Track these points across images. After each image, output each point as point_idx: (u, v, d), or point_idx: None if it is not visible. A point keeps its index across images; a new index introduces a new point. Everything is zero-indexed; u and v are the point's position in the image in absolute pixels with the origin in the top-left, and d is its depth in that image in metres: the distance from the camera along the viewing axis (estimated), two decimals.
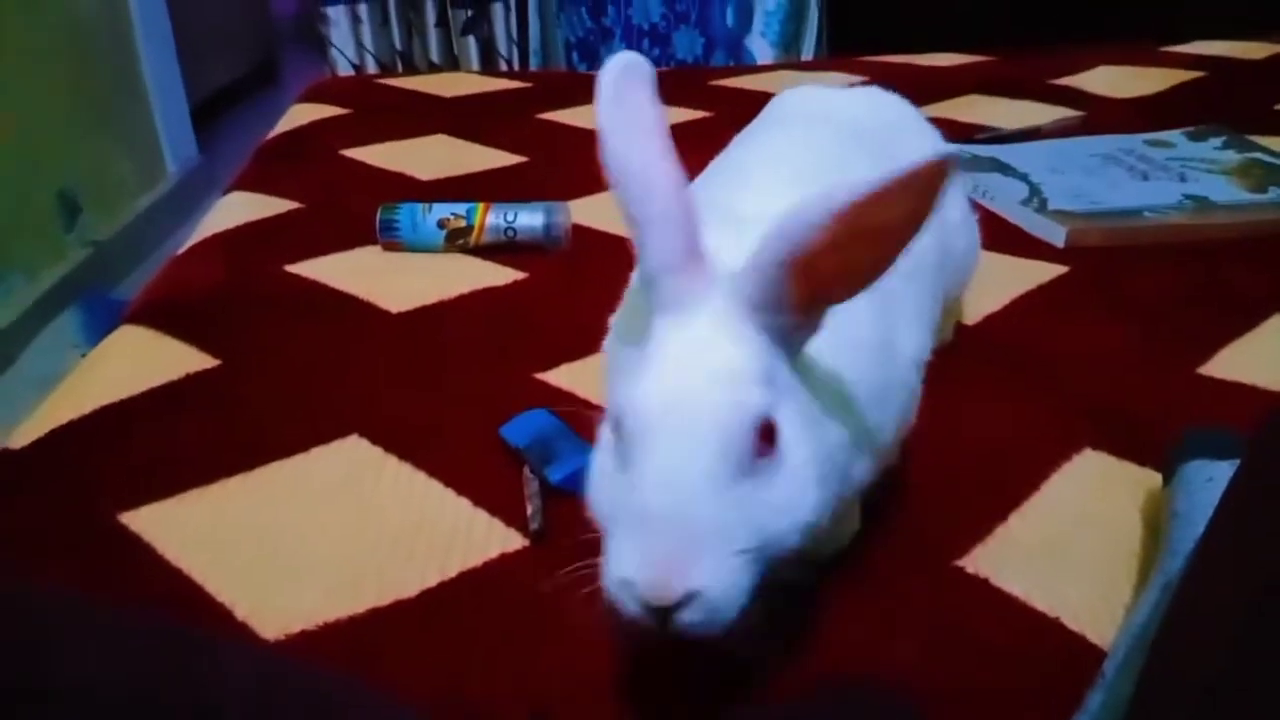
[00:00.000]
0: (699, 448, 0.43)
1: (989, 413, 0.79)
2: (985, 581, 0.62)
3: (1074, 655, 0.56)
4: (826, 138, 0.69)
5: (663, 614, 0.42)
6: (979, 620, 0.60)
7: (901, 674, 0.56)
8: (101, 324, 2.47)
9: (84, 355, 2.39)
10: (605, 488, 0.47)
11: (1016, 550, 0.65)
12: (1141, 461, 0.72)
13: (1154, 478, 0.68)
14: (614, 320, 0.61)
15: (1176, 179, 1.20)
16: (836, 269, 0.44)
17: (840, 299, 0.47)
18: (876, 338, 0.56)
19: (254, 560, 0.62)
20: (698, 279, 0.47)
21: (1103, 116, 1.54)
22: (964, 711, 0.53)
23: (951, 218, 0.74)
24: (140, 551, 0.63)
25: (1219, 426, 0.63)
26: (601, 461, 0.48)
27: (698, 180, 0.68)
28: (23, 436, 0.78)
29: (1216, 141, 1.33)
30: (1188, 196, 1.15)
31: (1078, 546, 0.65)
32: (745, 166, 0.67)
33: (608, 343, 0.61)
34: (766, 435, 0.44)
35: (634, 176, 0.47)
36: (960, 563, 0.64)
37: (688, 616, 0.42)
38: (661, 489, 0.43)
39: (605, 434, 0.48)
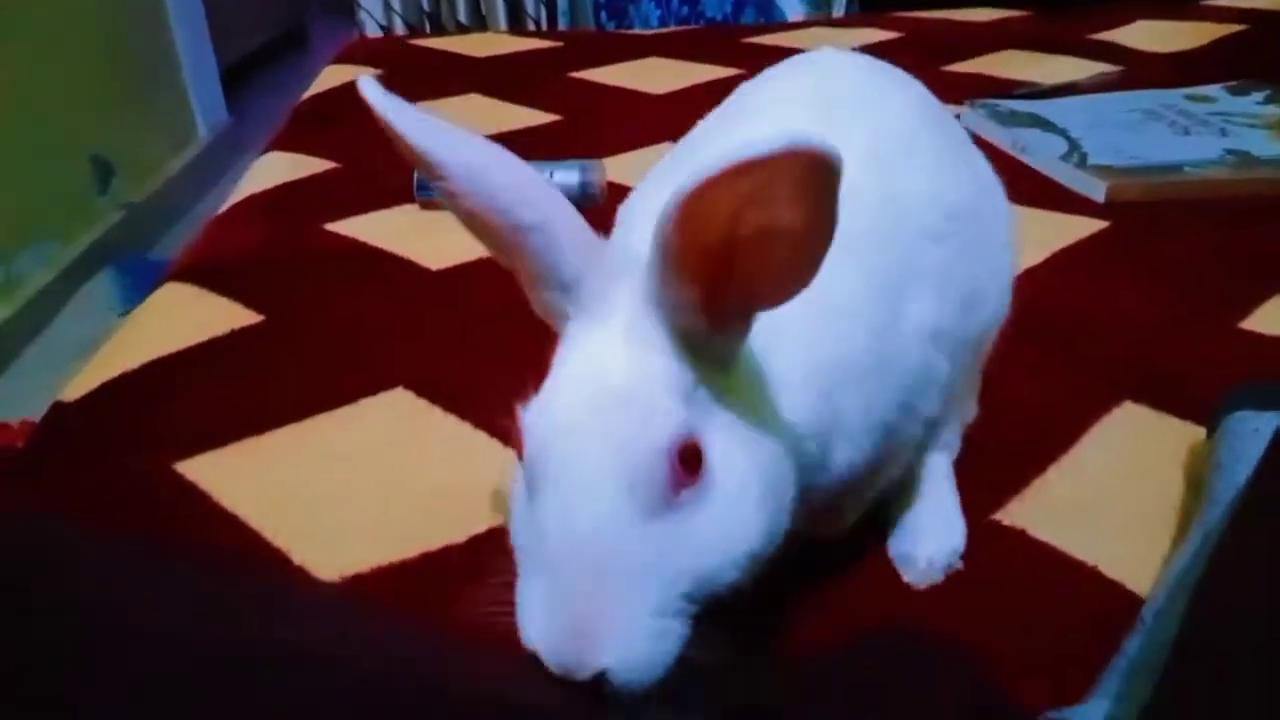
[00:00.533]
0: (599, 483, 0.37)
1: (1028, 366, 0.79)
2: (1021, 533, 0.63)
3: (1113, 603, 0.57)
4: (843, 84, 0.60)
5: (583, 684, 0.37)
6: (1016, 571, 0.61)
7: (938, 623, 0.56)
8: (137, 286, 2.51)
9: (121, 316, 2.42)
10: (516, 519, 0.41)
11: (1054, 503, 0.65)
12: (1181, 415, 0.72)
13: (1194, 431, 0.68)
14: None
15: (1218, 134, 1.18)
16: (743, 271, 0.38)
17: (763, 304, 0.40)
18: (869, 306, 0.50)
19: (307, 507, 0.64)
20: (606, 277, 0.41)
21: (1142, 71, 1.52)
22: (1001, 658, 0.54)
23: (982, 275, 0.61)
24: (197, 499, 0.65)
25: (1268, 380, 0.63)
26: (518, 485, 0.42)
27: (689, 136, 0.62)
28: (75, 389, 0.80)
29: (1258, 96, 1.31)
30: (1229, 151, 1.13)
31: (1116, 499, 0.66)
32: (751, 112, 0.59)
33: None
34: (689, 460, 0.38)
35: (502, 182, 0.40)
36: (996, 516, 0.64)
37: (609, 687, 0.36)
38: (560, 535, 0.37)
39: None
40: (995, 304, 0.61)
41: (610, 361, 0.39)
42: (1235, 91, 1.33)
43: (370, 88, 0.40)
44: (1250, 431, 0.55)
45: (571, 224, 0.41)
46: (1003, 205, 0.63)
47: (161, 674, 0.29)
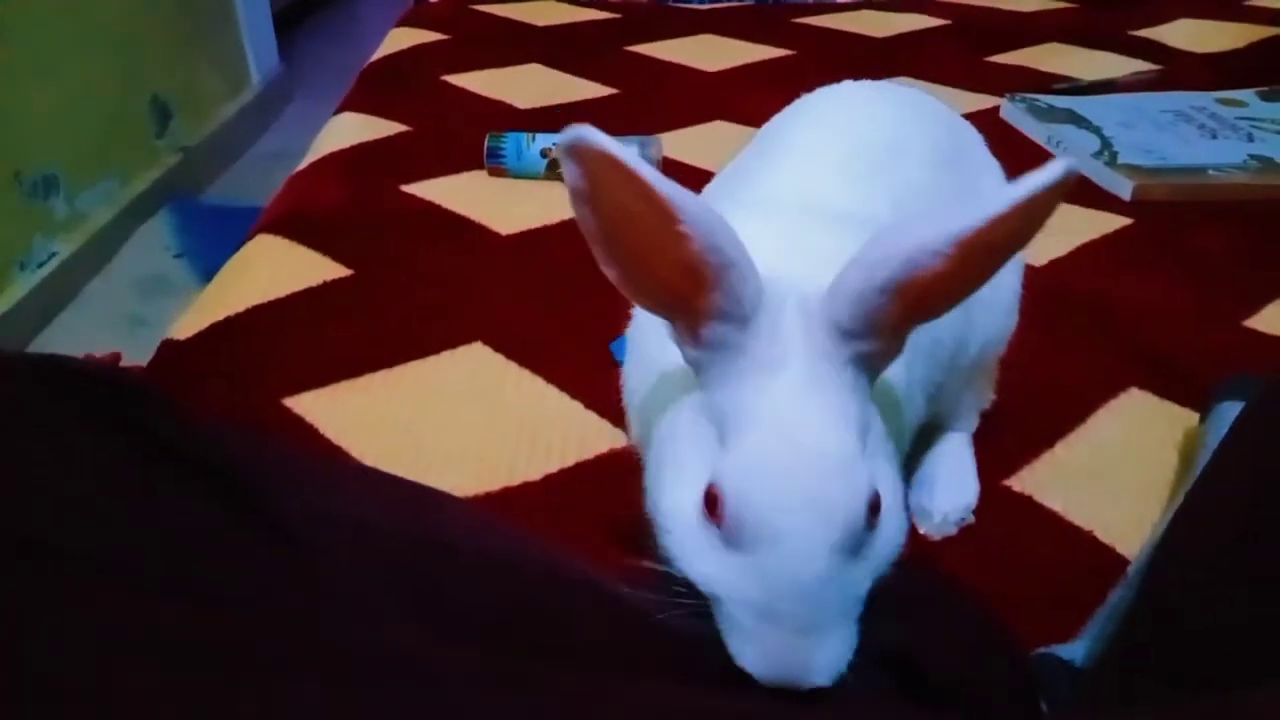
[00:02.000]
0: (824, 547, 0.40)
1: (1047, 349, 0.86)
2: (1029, 499, 0.71)
3: (1105, 564, 0.65)
4: (876, 125, 0.63)
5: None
6: (1022, 531, 0.69)
7: (948, 570, 0.65)
8: (190, 228, 2.59)
9: (175, 258, 2.49)
10: (708, 560, 0.43)
11: (1061, 474, 0.73)
12: (1182, 402, 0.79)
13: (1192, 418, 0.76)
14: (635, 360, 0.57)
15: (1244, 139, 1.24)
16: (935, 288, 0.41)
17: (930, 317, 0.45)
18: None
19: (402, 443, 0.73)
20: (773, 315, 0.43)
21: (1179, 71, 1.56)
22: (1002, 604, 0.61)
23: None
24: (306, 431, 0.74)
25: (1256, 373, 0.71)
26: (686, 526, 0.43)
27: (723, 173, 0.66)
28: (183, 329, 0.89)
29: None
30: (1253, 156, 1.19)
31: (1116, 473, 0.74)
32: (786, 152, 0.61)
33: (633, 371, 0.57)
34: (874, 507, 0.42)
35: (715, 227, 0.41)
36: (1007, 482, 0.73)
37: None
38: (786, 591, 0.41)
39: (681, 495, 0.44)
40: (999, 325, 0.67)
41: (809, 424, 0.42)
42: (1266, 97, 1.38)
43: (599, 138, 0.40)
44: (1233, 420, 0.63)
45: (754, 264, 0.43)
46: None
47: (367, 559, 0.37)
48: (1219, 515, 0.42)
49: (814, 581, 0.40)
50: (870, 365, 0.44)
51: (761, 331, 0.43)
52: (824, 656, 0.41)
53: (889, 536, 0.43)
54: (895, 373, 0.52)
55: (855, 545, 0.41)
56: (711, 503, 0.42)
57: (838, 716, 0.29)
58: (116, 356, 1.84)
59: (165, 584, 0.29)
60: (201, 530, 0.32)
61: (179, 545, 0.30)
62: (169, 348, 0.87)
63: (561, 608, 0.40)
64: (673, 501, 0.44)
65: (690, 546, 0.43)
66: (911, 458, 0.71)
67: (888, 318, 0.42)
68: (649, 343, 0.53)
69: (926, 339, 0.57)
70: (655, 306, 0.46)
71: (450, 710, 0.26)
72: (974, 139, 0.69)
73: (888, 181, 0.58)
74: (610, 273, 0.44)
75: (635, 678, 0.33)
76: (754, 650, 0.41)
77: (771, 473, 0.41)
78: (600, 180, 0.41)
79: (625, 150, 0.40)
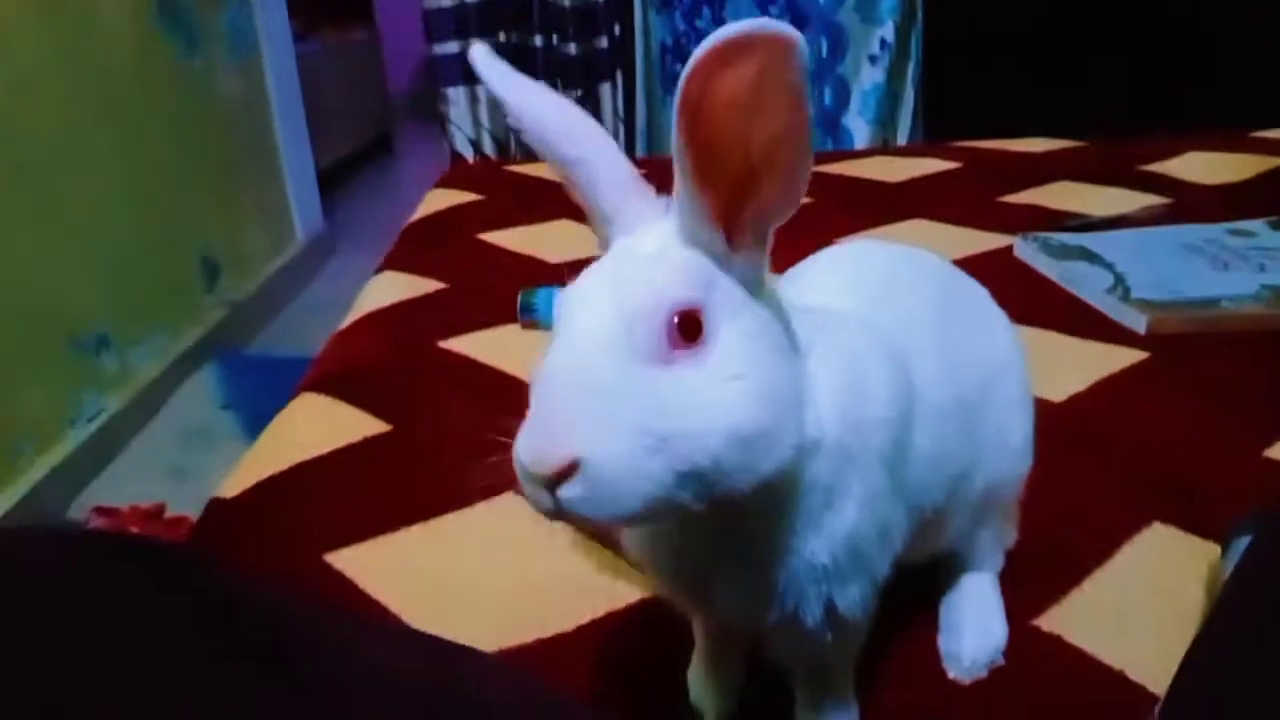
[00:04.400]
0: (599, 326, 0.42)
1: (1069, 484, 0.87)
2: (1058, 638, 0.71)
3: (1136, 704, 0.65)
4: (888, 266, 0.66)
5: (548, 488, 0.41)
6: (1052, 672, 0.69)
7: (977, 715, 0.65)
8: (237, 378, 2.68)
9: (222, 409, 2.56)
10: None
11: (1089, 612, 0.74)
12: (1205, 536, 0.80)
13: (1215, 550, 0.76)
14: None
15: (1256, 269, 1.27)
16: (742, 182, 0.43)
17: (768, 219, 0.45)
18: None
19: (438, 596, 0.75)
20: (645, 202, 0.47)
21: (1191, 203, 1.61)
22: None
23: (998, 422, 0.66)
24: (346, 586, 0.76)
25: (1272, 506, 0.72)
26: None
27: None
28: (231, 487, 0.93)
29: None
30: (1265, 286, 1.22)
31: (1144, 610, 0.74)
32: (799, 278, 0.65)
33: None
34: (688, 328, 0.42)
35: (552, 121, 0.47)
36: (1036, 621, 0.73)
37: (569, 492, 0.40)
38: (558, 357, 0.42)
39: None
40: (1010, 466, 0.68)
41: (639, 246, 0.45)
42: (1276, 226, 1.41)
43: (480, 55, 0.48)
44: None
45: (611, 163, 0.47)
46: (1018, 372, 0.69)
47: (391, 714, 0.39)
48: (1223, 652, 0.43)
49: (583, 349, 0.41)
50: (728, 263, 0.45)
51: (630, 221, 0.47)
52: (586, 431, 0.39)
53: (711, 389, 0.41)
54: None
55: (645, 345, 0.41)
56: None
57: None
58: (160, 507, 1.89)
59: None
60: (233, 687, 0.34)
61: (210, 698, 0.33)
62: (217, 505, 0.91)
63: None
64: None
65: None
66: (937, 599, 0.72)
67: (708, 208, 0.43)
68: None
69: (929, 442, 0.57)
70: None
71: None
72: (975, 295, 0.70)
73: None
74: None
75: None
76: (522, 430, 0.42)
77: (583, 279, 0.45)
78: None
79: (491, 65, 0.48)
